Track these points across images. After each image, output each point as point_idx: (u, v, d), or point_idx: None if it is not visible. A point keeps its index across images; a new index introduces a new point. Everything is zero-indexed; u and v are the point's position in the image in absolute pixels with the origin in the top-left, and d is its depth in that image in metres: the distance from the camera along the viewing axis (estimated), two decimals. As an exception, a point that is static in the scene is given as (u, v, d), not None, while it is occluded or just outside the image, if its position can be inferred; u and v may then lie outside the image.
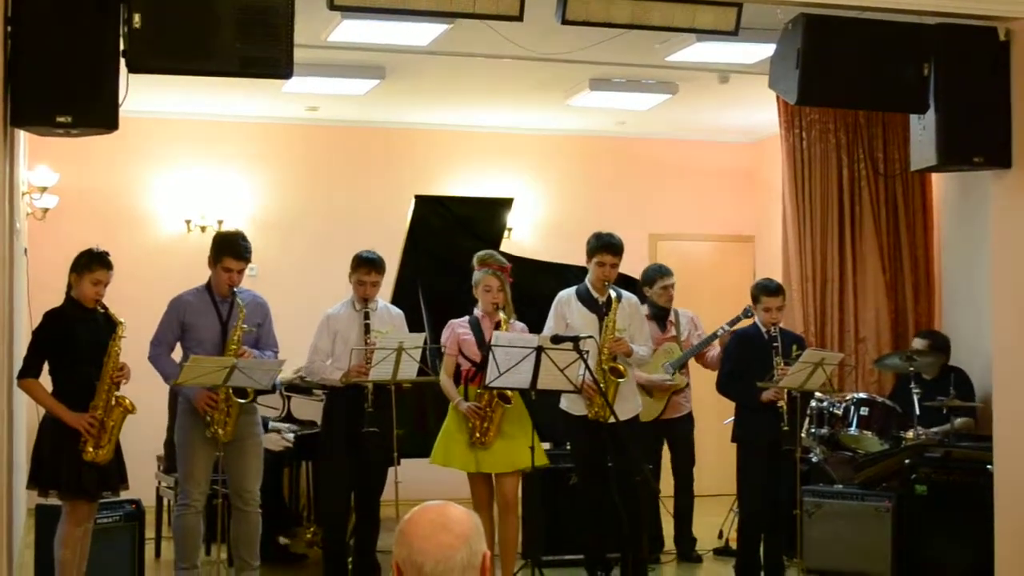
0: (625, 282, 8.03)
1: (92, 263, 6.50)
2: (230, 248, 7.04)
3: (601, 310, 7.35)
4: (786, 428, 7.36)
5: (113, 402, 6.46)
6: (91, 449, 6.40)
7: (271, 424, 8.42)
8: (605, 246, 7.38)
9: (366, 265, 7.36)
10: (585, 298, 7.43)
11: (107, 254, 6.56)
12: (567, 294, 7.51)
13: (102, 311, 6.52)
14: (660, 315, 8.63)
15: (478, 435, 7.21)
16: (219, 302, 7.05)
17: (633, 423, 7.44)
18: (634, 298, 7.64)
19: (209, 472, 7.03)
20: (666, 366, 8.50)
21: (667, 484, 8.68)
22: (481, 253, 7.49)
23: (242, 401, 6.90)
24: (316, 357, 7.41)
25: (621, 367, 7.29)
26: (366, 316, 7.31)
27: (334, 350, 7.37)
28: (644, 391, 8.32)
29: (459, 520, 2.66)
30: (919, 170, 7.21)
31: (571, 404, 7.40)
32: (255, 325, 7.09)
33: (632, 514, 7.35)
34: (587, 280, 7.47)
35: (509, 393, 7.16)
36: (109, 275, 6.53)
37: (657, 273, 8.64)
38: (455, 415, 7.32)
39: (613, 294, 7.34)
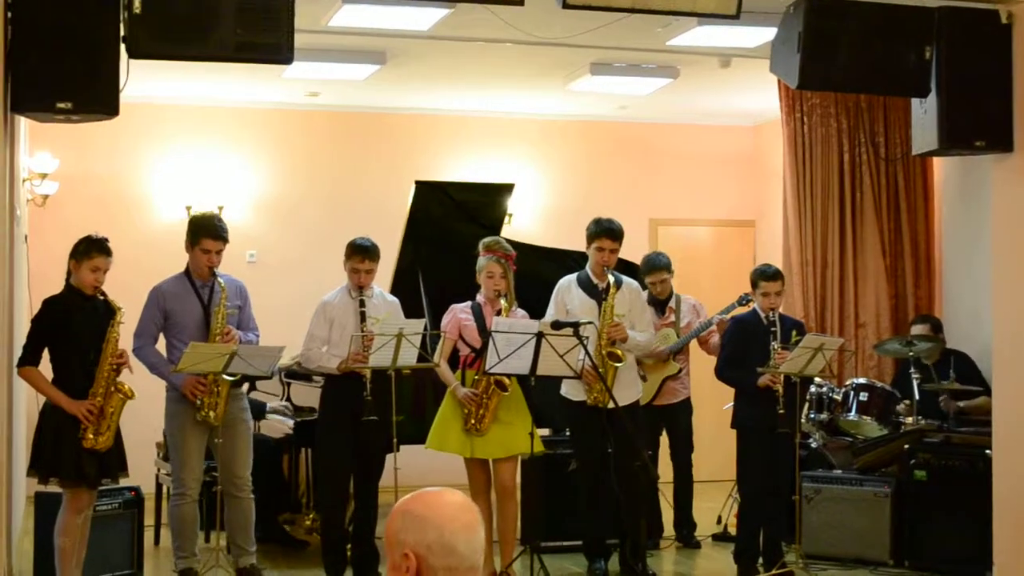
0: (625, 267, 8.02)
1: (91, 250, 6.48)
2: (206, 229, 7.03)
3: (600, 296, 7.35)
4: (782, 411, 7.35)
5: (112, 388, 6.45)
6: (91, 436, 6.39)
7: (270, 405, 8.42)
8: (604, 231, 7.38)
9: (360, 253, 7.35)
10: (585, 284, 7.44)
11: (106, 240, 6.54)
12: (567, 281, 7.51)
13: (101, 298, 6.51)
14: (659, 301, 8.61)
15: (473, 422, 7.21)
16: (199, 286, 7.04)
17: (633, 409, 7.44)
18: (635, 284, 7.63)
19: (202, 460, 7.05)
20: (662, 351, 8.48)
21: (666, 470, 8.68)
22: (487, 239, 7.48)
23: (229, 378, 6.89)
24: (312, 344, 7.39)
25: (619, 352, 7.29)
26: (361, 303, 7.29)
27: (330, 337, 7.36)
28: (639, 374, 8.31)
29: (470, 503, 2.69)
30: (920, 154, 7.21)
31: (571, 390, 7.40)
32: (235, 307, 7.08)
33: (631, 500, 7.36)
34: (587, 266, 7.47)
35: (506, 381, 7.16)
36: (108, 262, 6.51)
37: (647, 267, 8.55)
38: (451, 400, 7.32)
39: (612, 280, 7.34)
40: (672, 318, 8.62)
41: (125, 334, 6.60)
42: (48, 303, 6.52)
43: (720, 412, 8.33)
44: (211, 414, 6.89)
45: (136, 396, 6.54)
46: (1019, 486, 6.71)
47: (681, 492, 8.70)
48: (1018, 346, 6.74)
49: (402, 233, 8.65)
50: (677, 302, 8.66)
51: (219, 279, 6.99)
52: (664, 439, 8.71)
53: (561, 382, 7.37)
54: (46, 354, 6.51)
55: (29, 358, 6.47)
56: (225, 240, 7.05)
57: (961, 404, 8.24)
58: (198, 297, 7.02)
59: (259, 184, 10.99)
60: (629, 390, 7.44)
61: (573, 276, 7.53)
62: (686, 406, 8.70)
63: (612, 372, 7.26)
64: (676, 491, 8.71)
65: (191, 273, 7.08)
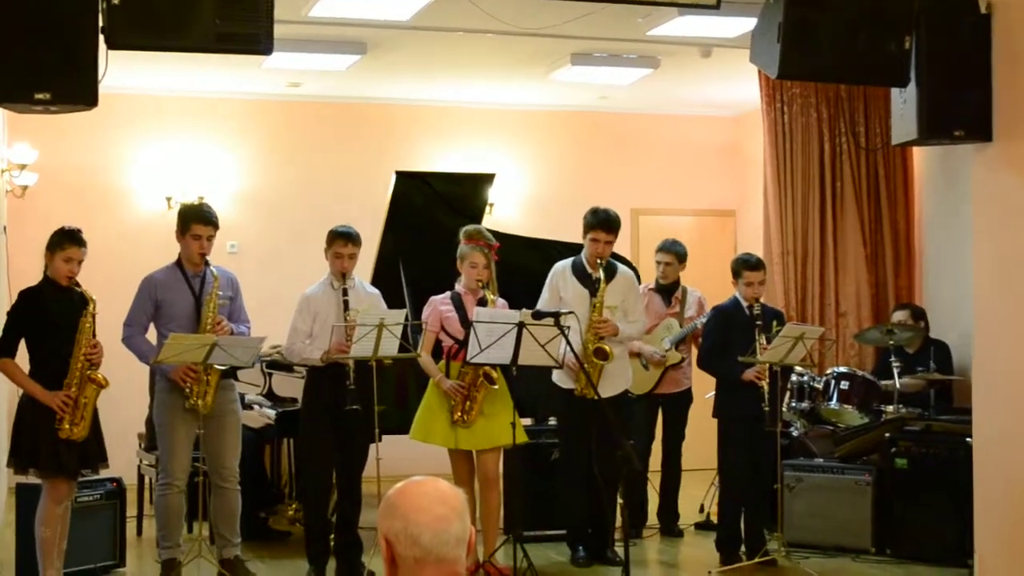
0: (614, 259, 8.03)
1: (63, 241, 6.48)
2: (196, 215, 7.05)
3: (593, 286, 7.37)
4: (767, 408, 7.35)
5: (86, 378, 6.44)
6: (67, 427, 6.39)
7: (247, 398, 8.40)
8: (600, 223, 7.40)
9: (342, 238, 7.30)
10: (580, 272, 7.46)
11: (79, 231, 6.53)
12: (563, 266, 7.52)
13: (77, 289, 6.49)
14: (666, 290, 8.65)
15: (460, 414, 7.20)
16: (191, 277, 7.03)
17: (619, 400, 7.46)
18: (630, 272, 7.66)
19: (190, 450, 7.03)
20: (665, 341, 8.51)
21: (656, 459, 8.69)
22: (469, 228, 7.44)
23: (221, 367, 6.88)
24: (296, 338, 7.33)
25: (607, 348, 7.29)
26: (344, 292, 7.27)
27: (313, 330, 7.33)
28: (641, 364, 8.34)
29: (452, 494, 2.68)
30: (900, 144, 7.21)
31: (561, 377, 7.43)
32: (227, 298, 7.07)
33: (612, 489, 7.37)
34: (582, 254, 7.49)
35: (494, 374, 7.14)
36: (81, 252, 6.51)
37: (662, 245, 8.71)
38: (435, 391, 7.31)
39: (604, 274, 7.36)
40: (677, 308, 8.65)
41: (102, 324, 6.57)
42: (24, 294, 6.52)
43: (703, 401, 8.35)
44: (200, 402, 6.88)
45: (111, 385, 6.54)
46: (1000, 476, 6.73)
47: (668, 480, 8.71)
48: (999, 333, 6.76)
49: (383, 223, 8.64)
50: (684, 294, 8.70)
51: (212, 269, 6.99)
52: (659, 428, 8.72)
53: (544, 371, 7.38)
54: (22, 346, 6.50)
55: (5, 350, 6.47)
56: (215, 226, 7.05)
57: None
58: (189, 287, 7.01)
59: (240, 174, 10.96)
60: (617, 379, 7.47)
61: (568, 261, 7.54)
62: (686, 396, 8.70)
63: (597, 368, 7.28)
64: (663, 479, 8.72)
65: (182, 263, 7.06)
